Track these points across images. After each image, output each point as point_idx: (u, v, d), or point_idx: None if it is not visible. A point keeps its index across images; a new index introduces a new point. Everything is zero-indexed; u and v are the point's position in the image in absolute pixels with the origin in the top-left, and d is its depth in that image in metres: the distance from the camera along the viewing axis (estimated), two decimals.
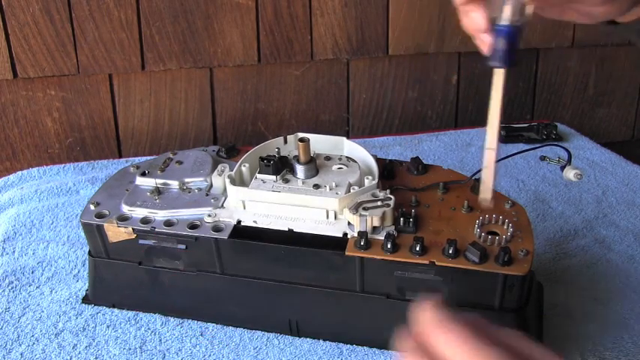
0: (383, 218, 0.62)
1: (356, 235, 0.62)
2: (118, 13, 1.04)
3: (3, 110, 1.07)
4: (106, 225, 0.67)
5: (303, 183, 0.67)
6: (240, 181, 0.69)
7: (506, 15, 0.46)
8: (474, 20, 0.47)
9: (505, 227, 0.62)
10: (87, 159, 1.09)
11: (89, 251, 0.70)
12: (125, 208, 0.68)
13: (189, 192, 0.69)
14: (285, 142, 0.73)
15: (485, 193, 0.52)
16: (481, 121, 1.34)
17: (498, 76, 0.48)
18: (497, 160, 0.73)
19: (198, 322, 0.70)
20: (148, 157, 0.83)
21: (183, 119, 1.14)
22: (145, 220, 0.66)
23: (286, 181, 0.67)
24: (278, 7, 1.09)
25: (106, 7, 1.03)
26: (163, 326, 0.70)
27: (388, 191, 0.64)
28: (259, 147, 0.72)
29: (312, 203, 0.64)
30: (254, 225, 0.65)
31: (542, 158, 1.04)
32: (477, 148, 1.11)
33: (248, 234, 0.64)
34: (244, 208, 0.66)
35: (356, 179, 0.67)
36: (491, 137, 0.51)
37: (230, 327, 0.70)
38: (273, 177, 0.67)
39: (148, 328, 0.69)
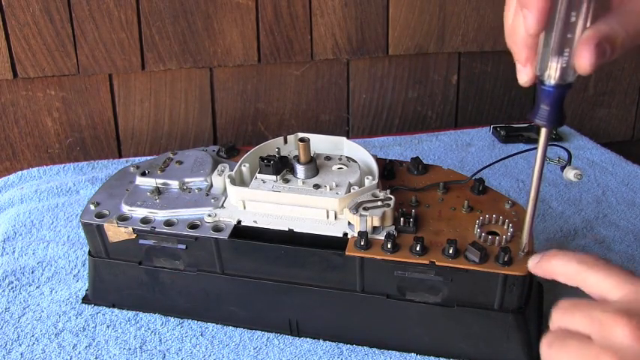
0: (383, 218, 0.62)
1: (356, 235, 0.62)
2: (118, 13, 1.04)
3: (3, 110, 1.07)
4: (106, 225, 0.67)
5: (303, 183, 0.67)
6: (240, 181, 0.69)
7: (553, 75, 0.44)
8: (519, 73, 0.46)
9: (505, 227, 0.62)
10: (87, 159, 1.09)
11: (89, 251, 0.70)
12: (125, 208, 0.68)
13: (190, 192, 0.69)
14: (286, 142, 0.73)
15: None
16: (481, 121, 1.34)
17: (542, 134, 0.48)
18: (498, 160, 0.73)
19: (198, 322, 0.70)
20: (148, 157, 0.83)
21: (183, 119, 1.14)
22: (145, 220, 0.66)
23: (286, 181, 0.67)
24: (278, 7, 1.09)
25: (106, 7, 1.03)
26: (163, 326, 0.70)
27: (388, 191, 0.64)
28: (259, 147, 0.72)
29: (312, 203, 0.64)
30: (254, 225, 0.65)
31: None
32: (477, 148, 1.11)
33: (248, 234, 0.64)
34: (244, 208, 0.66)
35: (356, 179, 0.67)
36: (533, 191, 0.52)
37: (230, 327, 0.70)
38: (274, 177, 0.67)
39: (148, 328, 0.69)
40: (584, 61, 0.41)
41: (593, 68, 0.42)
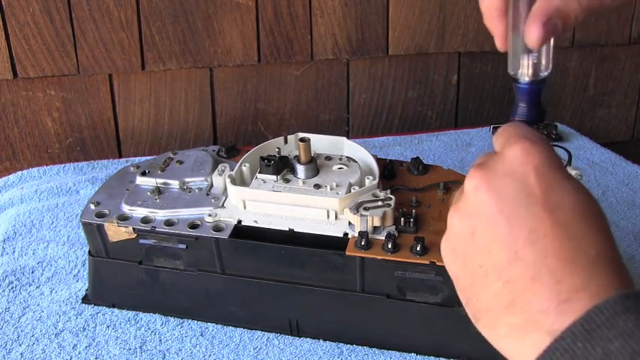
0: (384, 218, 0.62)
1: (356, 235, 0.62)
2: (118, 13, 1.04)
3: (3, 110, 1.07)
4: (106, 224, 0.66)
5: (303, 183, 0.67)
6: (240, 181, 0.69)
7: (526, 73, 0.45)
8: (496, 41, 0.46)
9: None
10: (87, 159, 1.09)
11: (89, 251, 0.70)
12: (125, 208, 0.68)
13: (190, 192, 0.69)
14: (286, 142, 0.73)
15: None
16: (481, 121, 1.34)
17: None
18: None
19: (198, 322, 0.70)
20: (148, 157, 0.83)
21: (183, 119, 1.14)
22: (146, 220, 0.66)
23: (287, 181, 0.67)
24: (278, 7, 1.09)
25: (106, 7, 1.03)
26: (163, 326, 0.70)
27: (389, 191, 0.64)
28: (259, 147, 0.72)
29: (312, 203, 0.64)
30: (255, 225, 0.65)
31: None
32: (477, 148, 1.11)
33: (249, 234, 0.64)
34: (245, 207, 0.66)
35: (356, 179, 0.67)
36: None
37: (230, 327, 0.70)
38: (274, 177, 0.67)
39: (148, 328, 0.69)
40: (532, 36, 0.41)
41: (542, 43, 0.41)
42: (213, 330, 0.69)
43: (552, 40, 0.43)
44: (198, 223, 0.66)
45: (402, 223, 0.63)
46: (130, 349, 0.67)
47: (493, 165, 0.39)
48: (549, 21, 0.41)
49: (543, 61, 0.44)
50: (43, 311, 0.72)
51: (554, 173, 0.38)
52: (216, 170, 0.70)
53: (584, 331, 0.32)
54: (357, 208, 0.62)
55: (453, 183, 0.70)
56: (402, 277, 0.61)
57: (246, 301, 0.68)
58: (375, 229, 0.62)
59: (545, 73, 0.45)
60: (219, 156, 0.76)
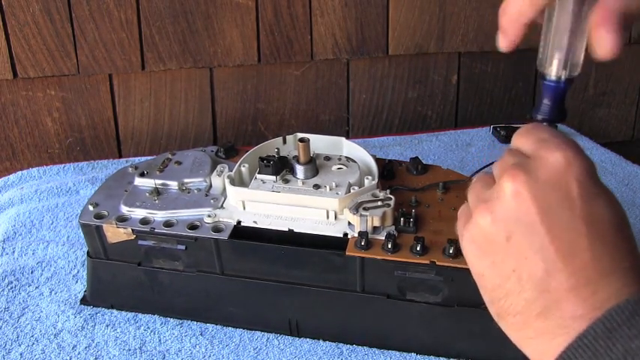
0: (383, 218, 0.62)
1: (356, 235, 0.62)
2: (118, 13, 1.04)
3: (3, 110, 1.07)
4: (105, 226, 0.66)
5: (303, 183, 0.67)
6: (239, 182, 0.69)
7: (554, 71, 0.45)
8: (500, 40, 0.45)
9: None
10: (87, 159, 1.09)
11: (87, 252, 0.70)
12: (124, 209, 0.68)
13: (189, 192, 0.69)
14: (284, 142, 0.73)
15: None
16: (481, 121, 1.34)
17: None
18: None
19: (198, 322, 0.70)
20: (148, 157, 0.83)
21: (183, 119, 1.14)
22: (145, 221, 0.66)
23: (286, 181, 0.67)
24: (278, 7, 1.09)
25: (106, 7, 1.03)
26: (163, 326, 0.70)
27: (388, 191, 0.64)
28: (259, 147, 0.72)
29: (312, 203, 0.64)
30: (254, 225, 0.65)
31: None
32: (477, 148, 1.11)
33: (248, 234, 0.64)
34: (244, 208, 0.66)
35: (356, 179, 0.67)
36: None
37: (230, 327, 0.70)
38: (273, 177, 0.67)
39: (148, 328, 0.69)
40: (608, 44, 0.40)
41: (620, 49, 0.41)
42: (212, 330, 0.69)
43: (586, 39, 0.43)
44: (198, 224, 0.65)
45: (401, 223, 0.62)
46: (129, 349, 0.67)
47: (534, 170, 0.39)
48: (620, 23, 0.41)
49: (577, 60, 0.44)
50: (42, 312, 0.72)
51: (593, 185, 0.38)
52: (215, 171, 0.70)
53: (606, 329, 0.33)
54: (356, 208, 0.62)
55: (452, 183, 0.69)
56: (402, 277, 0.61)
57: (246, 301, 0.68)
58: (375, 229, 0.62)
59: (576, 73, 0.45)
60: (217, 156, 0.75)
